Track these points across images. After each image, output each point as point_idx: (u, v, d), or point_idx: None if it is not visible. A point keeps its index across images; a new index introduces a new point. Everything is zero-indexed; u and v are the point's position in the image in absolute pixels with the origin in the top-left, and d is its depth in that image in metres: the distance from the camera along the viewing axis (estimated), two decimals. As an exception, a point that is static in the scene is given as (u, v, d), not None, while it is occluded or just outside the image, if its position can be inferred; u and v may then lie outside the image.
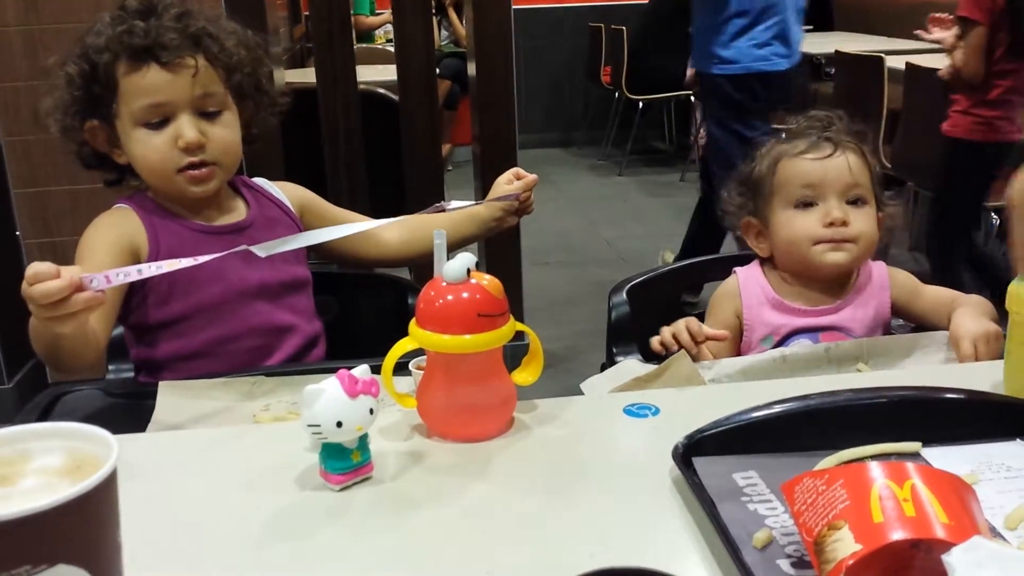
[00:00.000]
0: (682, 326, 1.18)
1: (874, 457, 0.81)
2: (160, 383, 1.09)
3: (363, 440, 0.83)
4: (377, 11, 6.23)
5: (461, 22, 6.11)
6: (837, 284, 1.31)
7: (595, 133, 6.62)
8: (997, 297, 1.01)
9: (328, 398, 0.79)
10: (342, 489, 0.82)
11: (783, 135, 1.34)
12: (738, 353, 1.29)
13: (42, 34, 2.54)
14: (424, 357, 0.96)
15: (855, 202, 1.27)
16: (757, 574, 0.66)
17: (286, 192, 1.41)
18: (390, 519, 0.79)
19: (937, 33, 2.88)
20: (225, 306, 1.27)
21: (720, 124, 3.11)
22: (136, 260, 1.22)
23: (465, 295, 0.89)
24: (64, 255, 1.03)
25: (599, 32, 6.13)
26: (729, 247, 3.19)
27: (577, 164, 6.33)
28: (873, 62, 3.73)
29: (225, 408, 1.07)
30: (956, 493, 0.64)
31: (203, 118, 1.23)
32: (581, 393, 1.08)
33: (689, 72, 3.95)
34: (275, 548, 0.75)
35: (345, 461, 0.82)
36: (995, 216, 3.12)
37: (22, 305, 0.94)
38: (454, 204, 1.29)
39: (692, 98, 5.45)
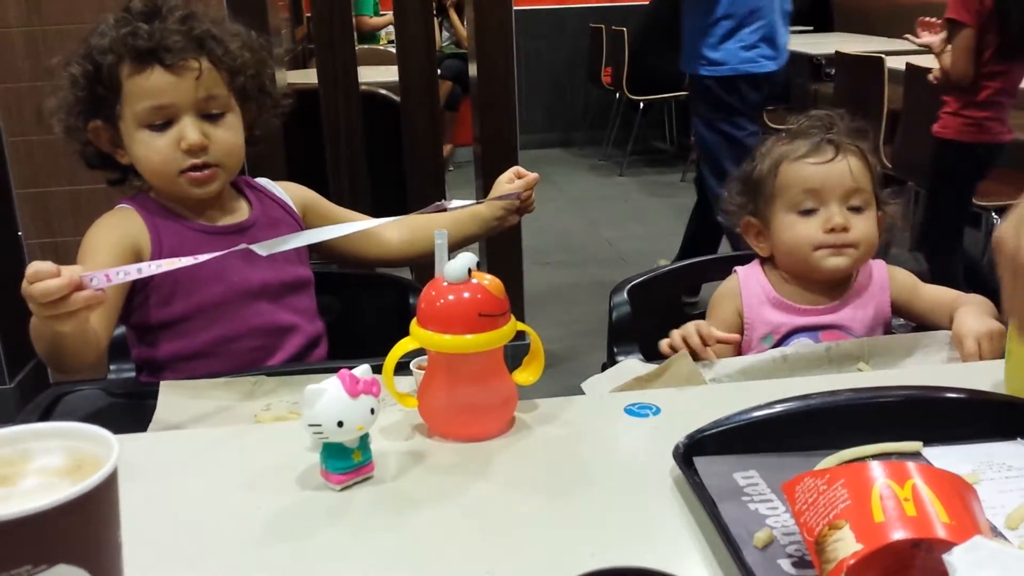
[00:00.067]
0: (692, 329, 1.18)
1: (875, 457, 0.81)
2: (161, 383, 1.09)
3: (364, 440, 0.83)
4: (381, 12, 6.23)
5: (462, 23, 6.11)
6: (837, 284, 1.31)
7: (596, 133, 6.62)
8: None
9: (329, 398, 0.79)
10: (343, 489, 0.82)
11: (784, 135, 1.34)
12: (739, 352, 1.29)
13: (44, 35, 2.54)
14: (425, 357, 0.96)
15: (856, 207, 1.27)
16: (758, 574, 0.66)
17: (289, 192, 1.41)
18: (391, 519, 0.79)
19: (926, 37, 2.89)
20: (227, 306, 1.27)
21: (708, 125, 3.16)
22: (138, 260, 1.22)
23: (466, 295, 0.89)
24: (66, 255, 1.03)
25: (600, 33, 6.14)
26: (725, 247, 3.21)
27: (578, 164, 6.33)
28: (873, 62, 3.73)
29: (226, 408, 1.07)
30: (957, 493, 0.64)
31: (206, 120, 1.23)
32: (582, 393, 1.08)
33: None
34: (276, 548, 0.75)
35: (346, 461, 0.82)
36: (995, 216, 3.12)
37: (23, 305, 0.94)
38: (455, 203, 1.29)
39: (693, 98, 5.45)
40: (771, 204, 1.31)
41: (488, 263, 2.96)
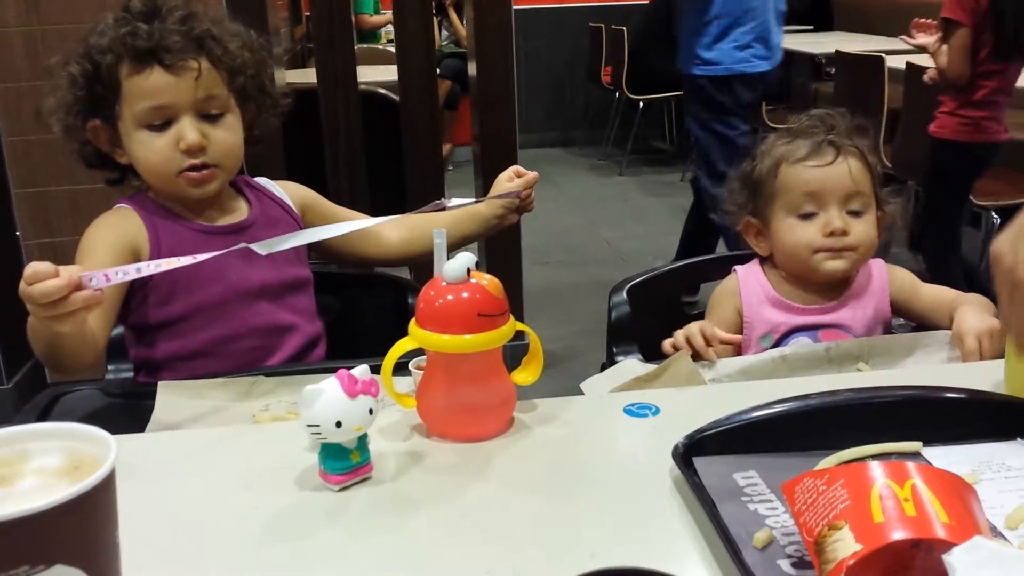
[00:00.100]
0: (695, 328, 1.17)
1: (875, 457, 0.81)
2: (159, 383, 1.09)
3: (362, 440, 0.83)
4: (382, 11, 6.22)
5: (462, 22, 6.11)
6: (836, 283, 1.31)
7: (595, 133, 6.62)
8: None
9: (327, 398, 0.79)
10: (341, 489, 0.82)
11: (785, 133, 1.34)
12: (738, 352, 1.29)
13: (43, 35, 2.54)
14: (424, 357, 0.96)
15: (855, 211, 1.27)
16: (757, 574, 0.66)
17: (288, 191, 1.41)
18: (389, 519, 0.79)
19: (921, 38, 2.89)
20: (226, 306, 1.27)
21: (701, 124, 3.19)
22: (137, 260, 1.21)
23: (465, 295, 0.89)
24: (64, 255, 1.03)
25: (599, 32, 6.14)
26: (723, 247, 3.22)
27: (577, 164, 6.33)
28: (873, 62, 3.73)
29: (224, 408, 1.07)
30: (957, 493, 0.63)
31: (205, 120, 1.23)
32: (581, 393, 1.08)
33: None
34: (274, 548, 0.75)
35: (344, 461, 0.82)
36: (996, 215, 3.12)
37: (21, 305, 0.94)
38: (455, 201, 1.29)
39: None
40: (771, 205, 1.31)
41: (487, 263, 2.96)
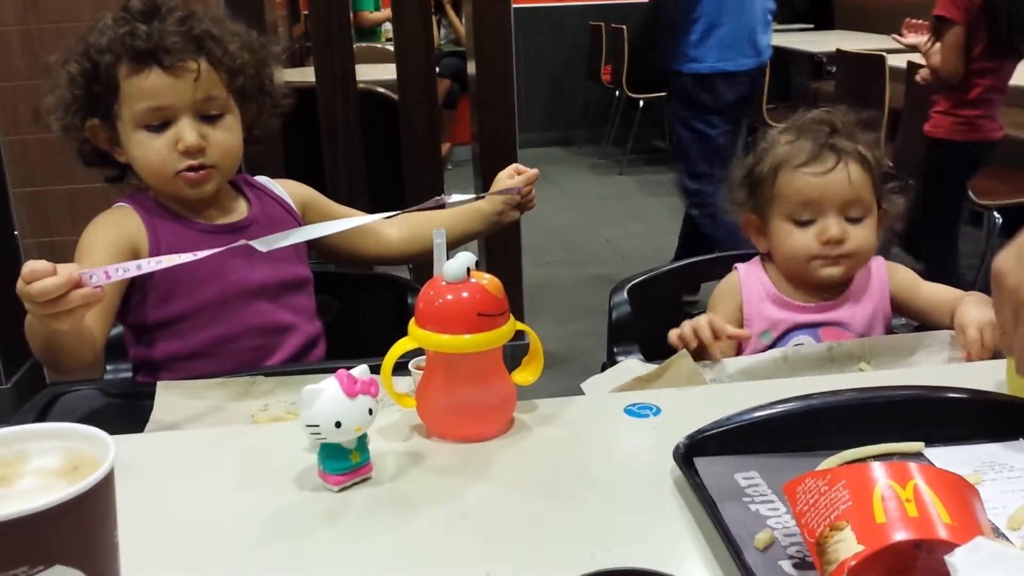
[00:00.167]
0: (704, 321, 1.17)
1: (876, 457, 0.81)
2: (158, 383, 1.09)
3: (362, 440, 0.83)
4: (383, 7, 6.21)
5: (460, 21, 6.10)
6: (836, 283, 1.31)
7: (595, 132, 6.62)
8: None
9: (327, 398, 0.79)
10: (341, 490, 0.82)
11: (787, 131, 1.33)
12: (739, 349, 1.29)
13: (41, 34, 2.54)
14: (424, 357, 0.96)
15: (854, 218, 1.27)
16: (759, 575, 0.65)
17: (288, 190, 1.41)
18: (389, 520, 0.78)
19: (912, 38, 2.89)
20: (225, 305, 1.27)
21: (684, 123, 3.20)
22: (136, 259, 1.21)
23: (465, 294, 0.88)
24: (63, 255, 1.02)
25: (599, 31, 6.13)
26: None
27: (577, 163, 6.33)
28: (874, 60, 3.72)
29: (223, 408, 1.07)
30: (959, 493, 0.63)
31: (204, 121, 1.22)
32: (581, 393, 1.08)
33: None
34: (273, 549, 0.75)
35: (344, 461, 0.82)
36: (997, 215, 3.12)
37: (20, 305, 0.93)
38: (455, 197, 1.28)
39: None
40: (769, 205, 1.31)
41: (487, 262, 2.96)
